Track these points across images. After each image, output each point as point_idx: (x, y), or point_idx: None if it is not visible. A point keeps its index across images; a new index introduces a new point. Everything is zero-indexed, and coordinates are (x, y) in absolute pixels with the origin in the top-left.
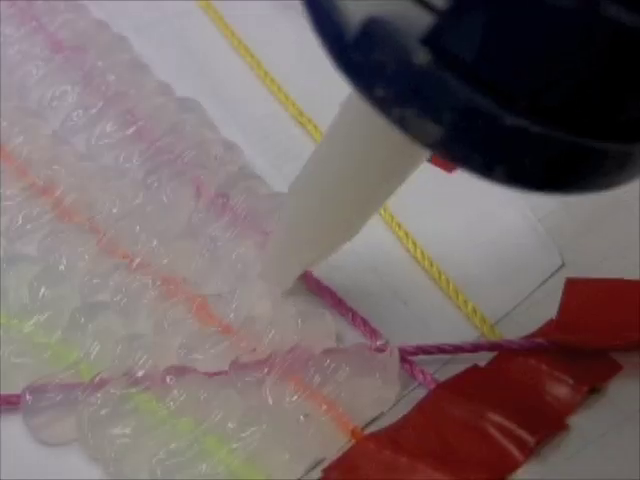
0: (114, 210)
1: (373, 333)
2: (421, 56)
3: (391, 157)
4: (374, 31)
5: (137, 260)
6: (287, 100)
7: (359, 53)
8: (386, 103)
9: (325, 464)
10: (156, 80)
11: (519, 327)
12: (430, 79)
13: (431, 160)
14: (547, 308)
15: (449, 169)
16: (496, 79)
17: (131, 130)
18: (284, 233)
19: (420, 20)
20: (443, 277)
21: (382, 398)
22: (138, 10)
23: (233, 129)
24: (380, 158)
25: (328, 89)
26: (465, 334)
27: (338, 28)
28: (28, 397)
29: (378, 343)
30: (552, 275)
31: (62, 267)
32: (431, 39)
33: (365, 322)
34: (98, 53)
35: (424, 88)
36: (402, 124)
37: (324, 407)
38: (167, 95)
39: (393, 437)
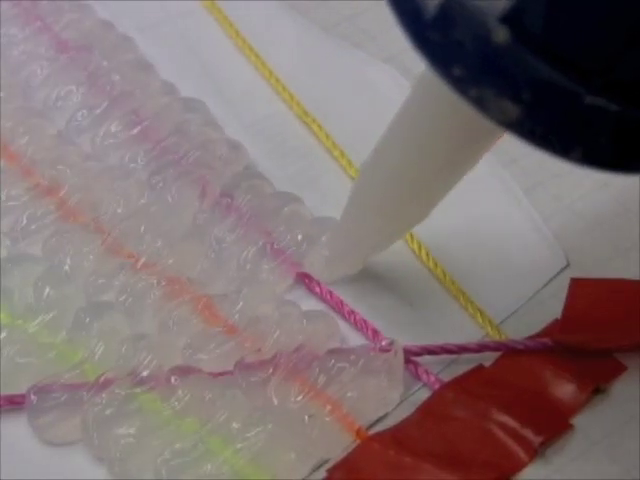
0: (119, 210)
1: (375, 334)
2: (500, 35)
3: (465, 136)
4: (452, 10)
5: (142, 260)
6: (291, 100)
7: (437, 32)
8: (464, 82)
9: (330, 464)
10: (161, 80)
11: (524, 327)
12: (509, 58)
13: None
14: (552, 308)
15: None
16: (575, 56)
17: (136, 130)
18: (353, 214)
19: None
20: (448, 278)
21: (387, 398)
22: (143, 10)
23: (237, 129)
24: (454, 137)
25: (332, 89)
26: (470, 334)
27: (416, 7)
28: (33, 397)
29: (383, 343)
30: (557, 275)
31: (67, 267)
32: (510, 17)
33: (367, 324)
34: (103, 53)
35: (503, 67)
36: (480, 103)
37: (329, 407)
38: (172, 95)
39: (397, 437)
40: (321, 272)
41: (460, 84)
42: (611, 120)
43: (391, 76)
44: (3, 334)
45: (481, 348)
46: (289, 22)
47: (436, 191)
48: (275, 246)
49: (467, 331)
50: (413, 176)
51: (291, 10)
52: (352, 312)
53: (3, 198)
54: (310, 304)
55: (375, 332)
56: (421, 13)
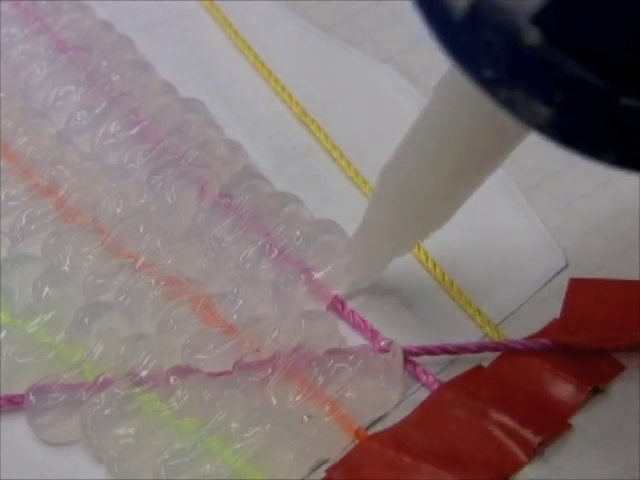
0: (118, 210)
1: (374, 335)
2: (532, 36)
3: (492, 137)
4: (482, 11)
5: (141, 260)
6: (291, 100)
7: (467, 34)
8: (494, 84)
9: (329, 464)
10: (160, 80)
11: (523, 327)
12: (541, 59)
13: None
14: (551, 308)
15: None
16: (608, 56)
17: (135, 130)
18: (374, 218)
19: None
20: (447, 278)
21: (386, 399)
22: (142, 10)
23: (237, 129)
24: (480, 138)
25: (331, 89)
26: (469, 335)
27: (444, 8)
28: (32, 397)
29: (382, 343)
30: (556, 275)
31: (66, 267)
32: (541, 18)
33: (365, 324)
34: (102, 53)
35: (534, 68)
36: (510, 105)
37: (328, 407)
38: (171, 95)
39: (397, 437)
40: (341, 282)
41: (490, 86)
42: None
43: (390, 76)
44: (2, 334)
45: (480, 348)
46: (288, 22)
47: (458, 194)
48: (274, 246)
49: (466, 331)
50: (435, 179)
51: (290, 10)
52: (352, 312)
53: (2, 198)
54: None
55: (374, 332)
56: (449, 14)
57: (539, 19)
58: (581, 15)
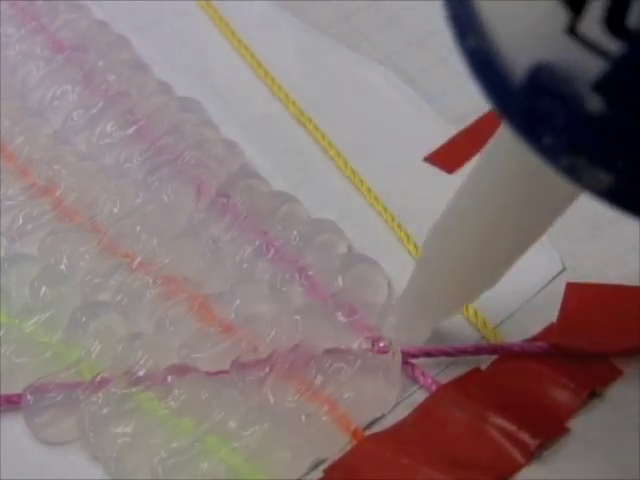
0: (115, 210)
1: (376, 336)
2: (594, 103)
3: (544, 199)
4: (542, 78)
5: (138, 259)
6: (287, 99)
7: (526, 102)
8: (555, 152)
9: (326, 464)
10: (156, 80)
11: (520, 330)
12: (604, 126)
13: (429, 159)
14: (548, 312)
15: (450, 169)
16: None
17: (132, 130)
18: (422, 282)
19: (591, 66)
20: None
21: (384, 400)
22: (138, 10)
23: (233, 128)
24: (533, 201)
25: (328, 89)
26: (467, 337)
27: (502, 76)
28: (29, 397)
29: (381, 344)
30: (553, 279)
31: (63, 267)
32: (605, 85)
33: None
34: (98, 53)
35: (597, 136)
36: (571, 173)
37: (326, 407)
38: (167, 95)
39: (394, 438)
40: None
41: (551, 154)
42: None
43: (385, 76)
44: (0, 333)
45: (478, 350)
46: (284, 22)
47: (511, 254)
48: (271, 246)
49: (464, 334)
50: (487, 240)
51: (286, 10)
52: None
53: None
54: None
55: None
56: (508, 81)
57: (601, 85)
58: None
